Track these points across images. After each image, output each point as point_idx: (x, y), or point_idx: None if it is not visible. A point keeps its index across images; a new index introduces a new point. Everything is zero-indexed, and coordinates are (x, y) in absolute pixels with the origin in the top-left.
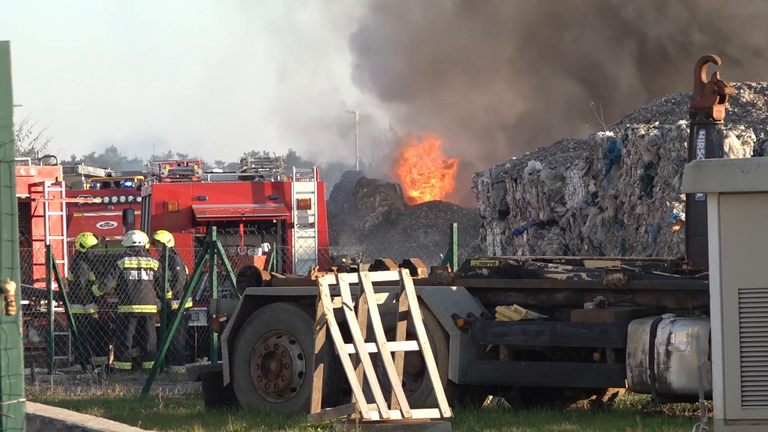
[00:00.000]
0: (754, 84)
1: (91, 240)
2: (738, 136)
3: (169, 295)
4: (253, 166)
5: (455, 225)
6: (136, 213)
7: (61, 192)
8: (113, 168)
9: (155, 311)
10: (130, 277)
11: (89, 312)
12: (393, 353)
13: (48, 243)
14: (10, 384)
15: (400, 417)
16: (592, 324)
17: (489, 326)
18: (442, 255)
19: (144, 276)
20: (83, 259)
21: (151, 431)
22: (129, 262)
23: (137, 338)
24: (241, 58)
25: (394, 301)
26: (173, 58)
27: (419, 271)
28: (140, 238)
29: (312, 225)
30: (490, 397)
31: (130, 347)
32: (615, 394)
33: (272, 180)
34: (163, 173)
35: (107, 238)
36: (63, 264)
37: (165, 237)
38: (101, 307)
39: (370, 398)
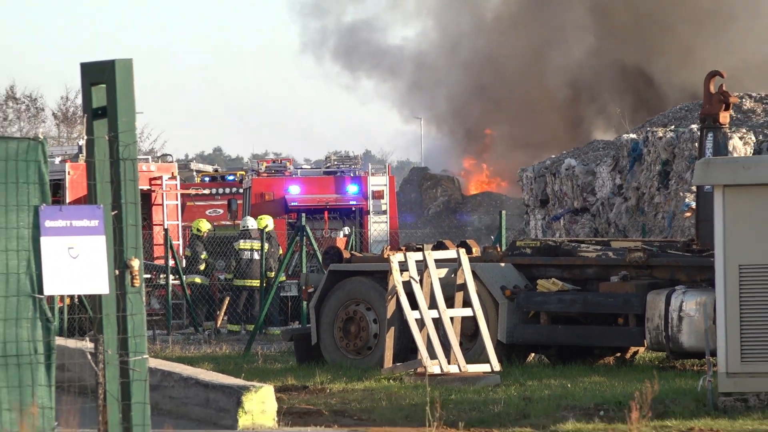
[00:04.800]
0: (754, 94)
1: (205, 225)
2: (740, 138)
3: (271, 274)
4: (335, 162)
5: (503, 212)
6: (238, 202)
7: (176, 185)
8: (219, 164)
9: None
10: (244, 257)
11: (203, 282)
12: (452, 318)
13: (166, 227)
14: (135, 343)
15: (457, 371)
16: (617, 294)
17: (531, 296)
18: (492, 237)
19: (255, 256)
20: (199, 240)
21: (251, 382)
22: (243, 244)
23: (246, 306)
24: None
25: (452, 275)
26: (269, 71)
27: (474, 250)
28: (253, 223)
29: (384, 212)
30: (532, 354)
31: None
32: (635, 352)
33: (351, 175)
34: (260, 169)
35: (215, 223)
36: (178, 244)
37: (263, 222)
38: (211, 279)
39: (432, 355)
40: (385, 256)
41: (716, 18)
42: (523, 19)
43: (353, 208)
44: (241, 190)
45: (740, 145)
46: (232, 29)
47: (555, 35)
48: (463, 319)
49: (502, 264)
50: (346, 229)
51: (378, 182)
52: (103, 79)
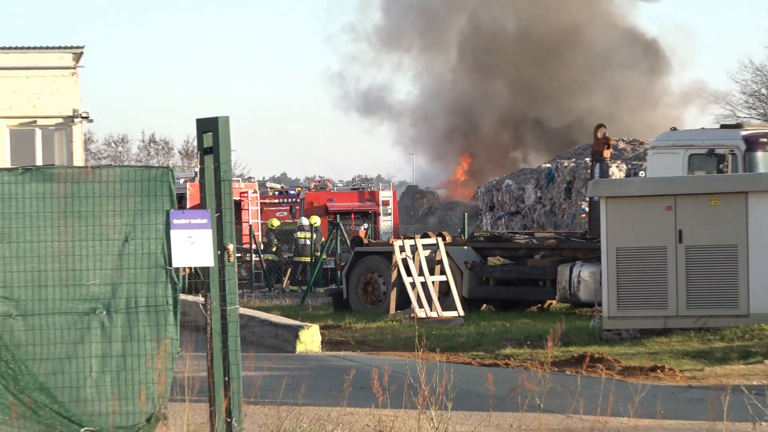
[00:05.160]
0: (626, 138)
1: (276, 222)
2: (617, 167)
3: (318, 254)
4: (358, 182)
5: (466, 214)
6: (296, 208)
7: (257, 196)
8: (284, 183)
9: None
10: (300, 242)
11: (274, 259)
12: (433, 282)
13: (250, 224)
14: (230, 298)
15: (436, 316)
16: (538, 266)
17: (484, 268)
18: (459, 230)
19: (307, 242)
20: (272, 232)
21: (305, 323)
22: (300, 234)
23: (301, 274)
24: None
25: (433, 254)
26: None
27: (447, 238)
28: (306, 221)
29: (390, 214)
30: (484, 305)
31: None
32: (550, 304)
33: (369, 190)
34: (311, 186)
35: (282, 221)
36: (258, 235)
37: (313, 220)
38: (279, 256)
39: (420, 305)
40: (390, 242)
41: (577, 83)
42: (467, 80)
43: (370, 212)
44: (298, 200)
45: (617, 171)
46: (291, 95)
47: (485, 93)
48: (440, 282)
49: (465, 247)
50: (365, 225)
51: (385, 195)
52: (210, 129)
